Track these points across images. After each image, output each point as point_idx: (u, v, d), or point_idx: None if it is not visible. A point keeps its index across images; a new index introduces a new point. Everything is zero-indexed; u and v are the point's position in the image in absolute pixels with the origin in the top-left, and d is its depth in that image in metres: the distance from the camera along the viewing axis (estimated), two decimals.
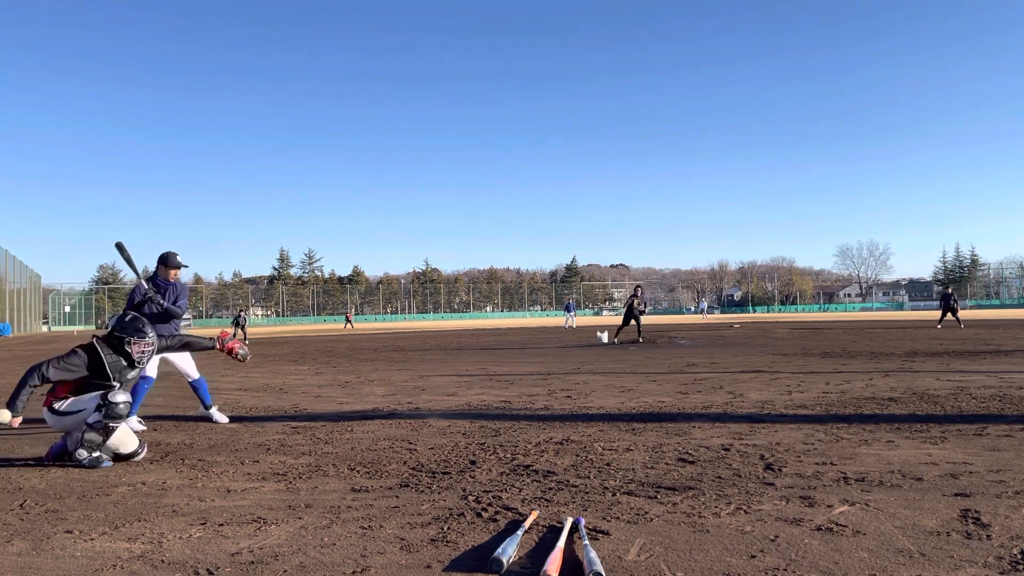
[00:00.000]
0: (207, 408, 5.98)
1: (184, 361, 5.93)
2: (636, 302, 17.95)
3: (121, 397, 4.21)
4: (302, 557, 2.55)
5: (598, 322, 45.00)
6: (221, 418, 5.92)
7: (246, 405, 6.99)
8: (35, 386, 4.21)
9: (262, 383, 9.34)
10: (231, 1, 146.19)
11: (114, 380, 4.35)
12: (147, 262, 5.92)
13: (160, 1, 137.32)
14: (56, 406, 4.27)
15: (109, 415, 4.12)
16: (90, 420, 4.14)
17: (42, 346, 25.30)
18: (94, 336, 4.47)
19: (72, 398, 4.27)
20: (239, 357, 4.83)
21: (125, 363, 4.41)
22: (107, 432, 4.13)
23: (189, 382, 5.99)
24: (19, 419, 4.16)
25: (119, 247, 5.67)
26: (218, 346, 4.86)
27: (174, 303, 5.81)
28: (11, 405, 4.11)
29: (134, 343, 4.39)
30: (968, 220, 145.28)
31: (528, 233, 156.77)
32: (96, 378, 4.32)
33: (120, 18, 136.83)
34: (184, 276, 6.19)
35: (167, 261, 5.96)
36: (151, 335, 4.49)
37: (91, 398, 4.25)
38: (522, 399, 6.98)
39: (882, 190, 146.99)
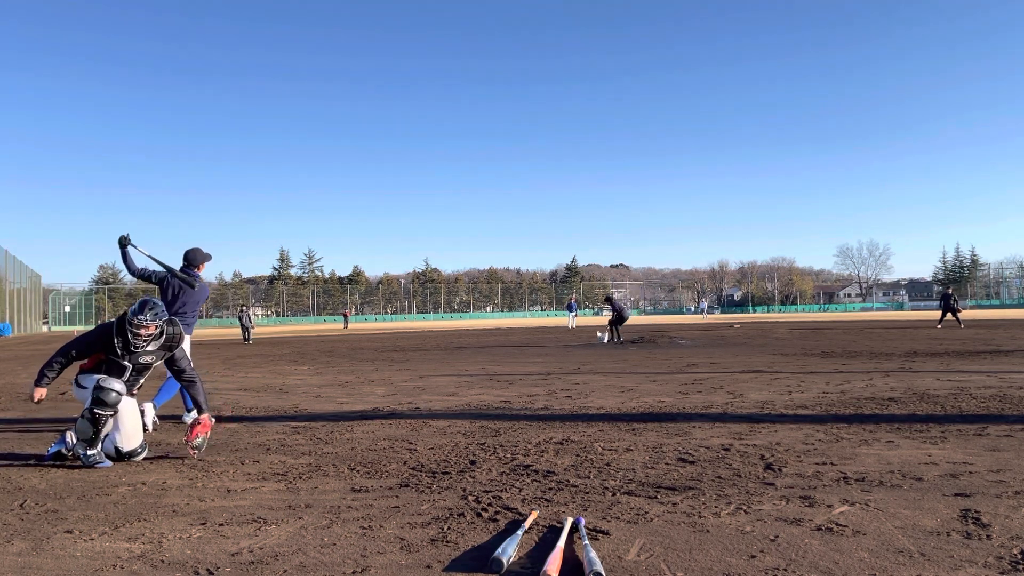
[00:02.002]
0: (189, 411, 5.96)
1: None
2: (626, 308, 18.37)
3: (115, 385, 4.10)
4: (302, 557, 2.55)
5: (598, 322, 44.95)
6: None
7: (246, 405, 6.99)
8: (61, 363, 4.28)
9: (262, 383, 9.34)
10: (231, 0, 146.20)
11: (124, 360, 4.27)
12: (146, 262, 5.99)
13: (160, 1, 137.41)
14: (79, 378, 4.34)
15: (96, 400, 4.02)
16: (87, 404, 4.10)
17: (42, 346, 25.27)
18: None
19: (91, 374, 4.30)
20: (194, 444, 4.35)
21: (122, 346, 4.24)
22: (95, 421, 4.02)
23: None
24: (42, 391, 4.29)
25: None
26: (206, 418, 4.47)
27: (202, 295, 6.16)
28: (37, 380, 4.28)
29: (133, 323, 4.19)
30: (968, 220, 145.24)
31: (528, 233, 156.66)
32: (111, 354, 4.27)
33: (120, 17, 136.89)
34: None
35: (196, 258, 6.16)
36: (150, 320, 4.19)
37: (97, 377, 4.16)
38: (522, 399, 6.98)
39: (882, 190, 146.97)
